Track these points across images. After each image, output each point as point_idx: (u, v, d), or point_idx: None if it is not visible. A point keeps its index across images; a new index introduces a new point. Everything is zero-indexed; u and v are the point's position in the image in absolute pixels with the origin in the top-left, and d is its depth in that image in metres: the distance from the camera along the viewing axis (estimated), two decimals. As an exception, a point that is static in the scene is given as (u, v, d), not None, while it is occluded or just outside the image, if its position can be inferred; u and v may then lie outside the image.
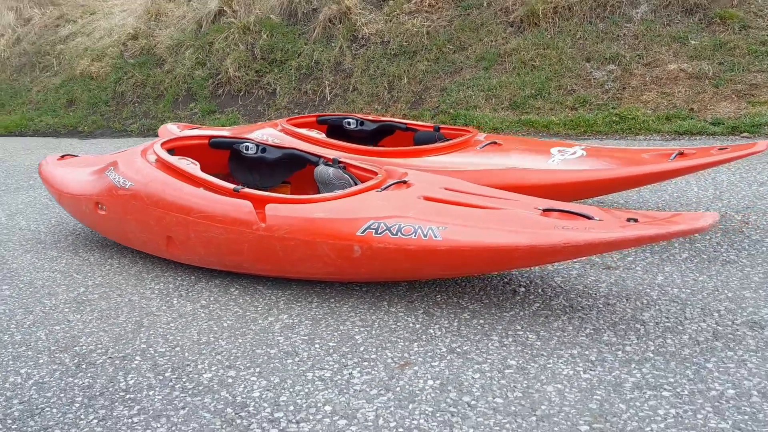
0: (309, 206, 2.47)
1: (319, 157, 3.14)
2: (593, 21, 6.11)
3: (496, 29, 6.55)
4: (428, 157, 3.23)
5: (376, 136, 4.02)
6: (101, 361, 2.16)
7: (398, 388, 1.87)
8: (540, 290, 2.44)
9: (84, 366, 2.13)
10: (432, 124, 3.79)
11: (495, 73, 6.23)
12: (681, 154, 2.83)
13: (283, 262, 2.51)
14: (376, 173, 2.83)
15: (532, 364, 1.94)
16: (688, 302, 2.25)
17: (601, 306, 2.28)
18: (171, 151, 3.22)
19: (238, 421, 1.77)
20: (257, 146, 3.29)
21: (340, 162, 3.04)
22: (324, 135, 3.56)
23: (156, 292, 2.72)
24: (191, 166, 2.86)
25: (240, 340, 2.23)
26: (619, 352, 1.97)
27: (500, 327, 2.18)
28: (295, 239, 2.41)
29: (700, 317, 2.15)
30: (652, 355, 1.94)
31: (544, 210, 2.26)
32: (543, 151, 3.12)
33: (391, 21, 7.16)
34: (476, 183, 2.87)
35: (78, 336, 2.35)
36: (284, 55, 7.60)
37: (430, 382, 1.89)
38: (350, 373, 1.97)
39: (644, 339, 2.04)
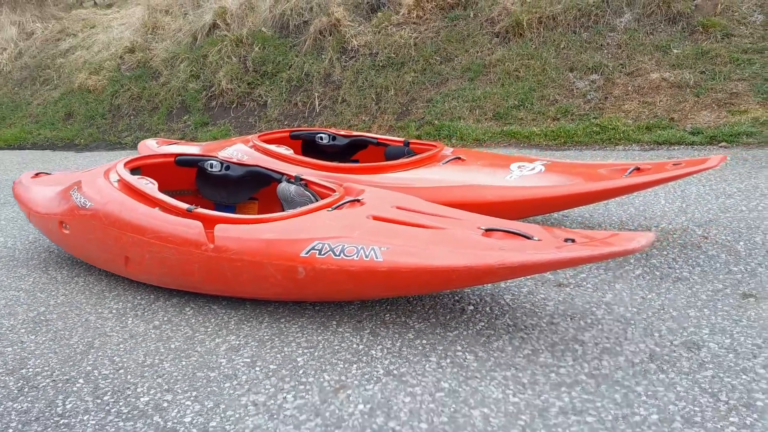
0: (258, 227, 2.48)
1: (282, 174, 3.16)
2: (577, 30, 6.10)
3: (481, 40, 6.56)
4: (392, 173, 3.24)
5: (350, 150, 4.03)
6: (44, 384, 2.18)
7: (328, 413, 1.88)
8: (488, 308, 2.44)
9: (26, 390, 2.16)
10: (402, 139, 3.80)
11: (480, 83, 6.23)
12: (637, 169, 2.82)
13: (232, 282, 2.53)
14: (334, 191, 2.85)
15: (465, 387, 1.95)
16: (632, 321, 2.25)
17: (544, 325, 2.27)
18: (136, 170, 3.26)
19: (164, 446, 1.79)
20: (221, 164, 3.32)
21: (301, 179, 3.06)
22: (292, 151, 3.58)
23: (114, 311, 2.74)
24: (149, 186, 2.88)
25: (184, 363, 2.25)
26: (553, 374, 1.97)
27: (441, 348, 2.18)
28: (242, 260, 2.43)
29: (640, 338, 2.14)
30: (584, 378, 1.94)
31: (487, 230, 2.26)
32: (503, 167, 3.12)
33: (379, 33, 7.19)
34: (435, 199, 2.89)
35: (27, 358, 2.38)
36: (275, 67, 7.65)
37: (360, 407, 1.90)
38: (284, 398, 1.98)
39: (580, 361, 2.03)
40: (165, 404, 2.00)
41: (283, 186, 3.10)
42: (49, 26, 11.47)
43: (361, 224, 2.39)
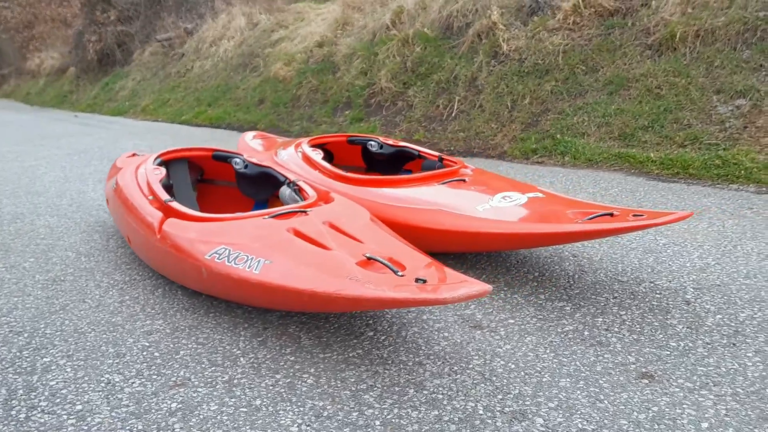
0: (192, 224, 2.65)
1: (286, 177, 3.29)
2: (738, 48, 5.29)
3: (632, 52, 5.99)
4: (389, 188, 3.18)
5: (399, 160, 4.02)
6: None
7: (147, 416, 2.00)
8: (389, 337, 2.34)
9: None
10: (437, 154, 3.71)
11: (617, 98, 5.71)
12: (610, 215, 2.47)
13: (169, 271, 2.74)
14: (309, 197, 2.93)
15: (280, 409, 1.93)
16: (498, 381, 2.02)
17: (411, 365, 2.13)
18: (183, 160, 3.62)
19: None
20: (243, 162, 3.54)
21: (296, 184, 3.17)
22: (320, 157, 3.66)
23: (104, 283, 3.11)
24: (153, 176, 3.19)
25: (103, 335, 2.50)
26: (360, 418, 1.87)
27: (287, 369, 2.17)
28: (171, 253, 2.62)
29: (476, 395, 1.92)
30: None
31: (368, 258, 2.18)
32: (490, 194, 2.92)
33: (532, 38, 6.90)
34: (401, 220, 2.85)
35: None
36: (429, 68, 7.73)
37: (174, 404, 1.98)
38: (118, 386, 2.14)
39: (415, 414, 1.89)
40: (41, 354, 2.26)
41: (283, 189, 3.23)
42: (271, 18, 12.72)
43: (272, 235, 2.44)
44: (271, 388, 2.04)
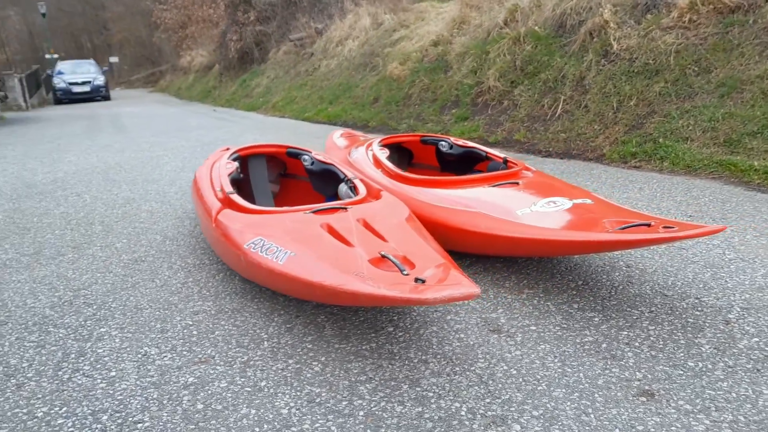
0: (243, 216, 2.85)
1: (345, 174, 3.43)
2: None
3: (750, 51, 5.56)
4: (440, 189, 3.23)
5: (470, 160, 4.03)
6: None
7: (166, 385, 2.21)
8: (407, 334, 2.41)
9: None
10: (503, 156, 3.69)
11: (728, 101, 5.34)
12: (647, 225, 2.38)
13: (223, 258, 2.96)
14: (359, 194, 3.06)
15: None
16: (493, 386, 2.03)
17: (414, 362, 2.19)
18: (261, 156, 3.88)
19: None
20: (311, 159, 3.72)
21: (351, 182, 3.30)
22: (385, 156, 3.76)
23: (181, 265, 3.40)
24: (223, 170, 3.44)
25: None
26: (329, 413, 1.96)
27: (301, 355, 2.29)
28: (221, 241, 2.84)
29: (462, 397, 1.94)
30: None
31: (383, 256, 2.27)
32: (536, 198, 2.89)
33: (644, 37, 6.59)
34: (442, 221, 2.90)
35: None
36: (537, 67, 7.59)
37: (191, 379, 2.18)
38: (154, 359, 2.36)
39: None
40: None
41: (341, 186, 3.38)
42: (395, 18, 12.96)
43: (304, 229, 2.58)
44: (280, 371, 2.17)
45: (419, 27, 11.69)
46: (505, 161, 3.61)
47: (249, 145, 3.93)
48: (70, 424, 1.91)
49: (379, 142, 4.05)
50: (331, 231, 2.53)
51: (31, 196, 5.42)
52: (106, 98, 25.74)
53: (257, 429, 1.85)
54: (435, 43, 10.14)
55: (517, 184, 3.14)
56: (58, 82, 25.01)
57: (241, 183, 3.88)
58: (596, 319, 2.45)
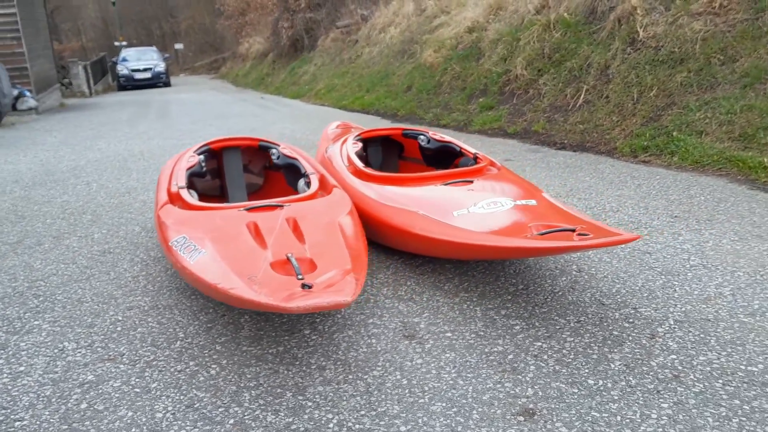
0: (179, 211, 2.84)
1: (305, 170, 3.39)
2: None
3: (778, 38, 5.20)
4: (392, 186, 3.14)
5: (446, 155, 3.91)
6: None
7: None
8: (320, 337, 2.37)
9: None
10: (474, 152, 3.57)
11: (750, 93, 5.01)
12: (571, 231, 2.25)
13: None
14: (309, 191, 3.03)
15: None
16: (376, 396, 1.96)
17: (311, 367, 2.15)
18: (236, 148, 3.88)
19: None
20: (278, 153, 3.69)
21: (308, 177, 3.27)
22: (354, 151, 3.68)
23: (143, 258, 3.45)
24: (185, 162, 3.46)
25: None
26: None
27: (204, 357, 2.28)
28: (158, 235, 2.86)
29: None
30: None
31: (288, 258, 2.22)
32: (480, 198, 2.77)
33: (672, 24, 6.25)
34: (385, 219, 2.84)
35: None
36: (563, 55, 7.34)
37: (91, 377, 2.19)
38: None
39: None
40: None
41: (300, 181, 3.36)
42: (438, 3, 12.76)
43: (227, 228, 2.55)
44: (176, 373, 2.17)
45: (458, 13, 11.46)
46: (475, 158, 3.49)
47: (221, 138, 3.93)
48: (-46, 418, 1.96)
49: (356, 135, 3.99)
50: (254, 230, 2.50)
51: (45, 184, 5.61)
52: (167, 85, 26.44)
53: None
54: (470, 29, 9.93)
55: (471, 182, 3.03)
56: (122, 69, 25.85)
57: (220, 176, 3.90)
58: (517, 327, 2.33)
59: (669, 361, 2.03)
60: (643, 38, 6.39)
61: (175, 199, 3.01)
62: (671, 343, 2.14)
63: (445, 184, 3.03)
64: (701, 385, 1.88)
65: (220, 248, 2.37)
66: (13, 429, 1.89)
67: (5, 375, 2.21)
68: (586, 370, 2.01)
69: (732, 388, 1.86)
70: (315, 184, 3.10)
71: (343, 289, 1.93)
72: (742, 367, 1.96)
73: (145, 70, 25.88)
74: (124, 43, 37.36)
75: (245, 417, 1.89)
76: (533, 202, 2.72)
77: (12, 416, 1.96)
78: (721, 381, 1.90)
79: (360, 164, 3.43)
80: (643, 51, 6.33)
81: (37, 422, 1.92)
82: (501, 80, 8.14)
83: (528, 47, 8.00)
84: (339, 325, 2.45)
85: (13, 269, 3.32)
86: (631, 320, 2.32)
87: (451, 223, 2.58)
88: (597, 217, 3.61)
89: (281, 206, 2.75)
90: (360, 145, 3.80)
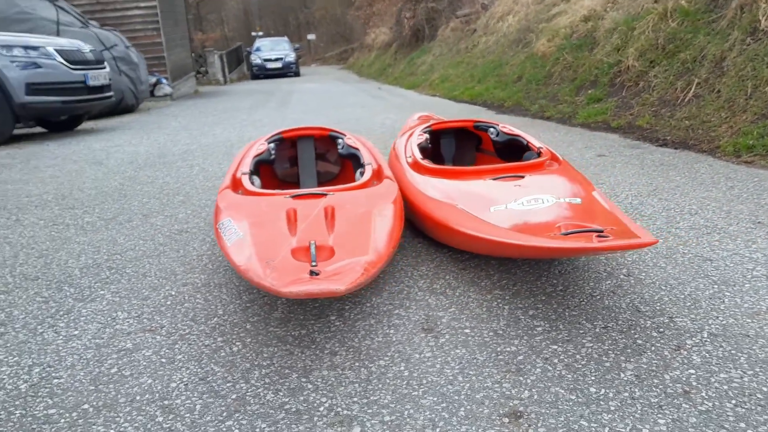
0: (234, 196, 3.00)
1: (364, 160, 3.46)
2: None
3: None
4: (441, 179, 3.13)
5: (516, 149, 3.83)
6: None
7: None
8: (345, 324, 2.43)
9: (88, 264, 3.32)
10: (539, 146, 3.48)
11: None
12: (598, 234, 2.16)
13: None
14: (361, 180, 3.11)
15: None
16: (374, 385, 1.99)
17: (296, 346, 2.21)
18: (310, 138, 4.02)
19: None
20: (343, 144, 3.77)
21: (364, 167, 3.34)
22: (417, 143, 3.69)
23: (213, 239, 3.66)
24: (254, 150, 3.63)
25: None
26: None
27: (233, 335, 2.40)
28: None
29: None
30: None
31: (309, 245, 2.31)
32: (523, 194, 2.71)
33: (800, 9, 5.72)
34: (429, 212, 2.86)
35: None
36: (678, 45, 6.90)
37: (129, 344, 2.39)
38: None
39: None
40: (97, 298, 2.86)
41: (358, 171, 3.43)
42: (558, -9, 12.36)
43: (267, 213, 2.66)
44: (202, 348, 2.31)
45: (578, 1, 11.05)
46: (539, 152, 3.40)
47: (295, 128, 4.08)
48: (4, 371, 2.21)
49: (425, 127, 3.99)
50: (292, 216, 2.60)
51: (154, 165, 6.07)
52: (296, 74, 27.49)
53: (138, 397, 2.00)
54: (586, 18, 9.56)
55: (522, 177, 2.96)
56: (255, 59, 27.19)
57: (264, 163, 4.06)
58: (539, 328, 2.27)
59: (685, 376, 1.90)
60: (765, 27, 5.88)
61: (236, 185, 3.17)
62: (695, 357, 2.00)
63: (495, 179, 2.98)
64: (709, 404, 1.76)
65: (254, 232, 2.48)
66: (50, 385, 2.10)
67: (61, 337, 2.45)
68: (593, 378, 1.93)
69: (743, 410, 1.72)
70: (368, 174, 3.16)
71: (344, 277, 1.98)
72: (765, 389, 1.81)
73: (276, 60, 27.08)
74: (261, 33, 39.21)
75: (247, 393, 1.98)
76: (578, 200, 2.62)
77: (53, 374, 2.17)
78: (734, 402, 1.76)
79: (418, 156, 3.44)
80: (764, 41, 5.83)
81: (71, 381, 2.11)
82: (612, 71, 7.80)
83: (642, 37, 7.60)
84: (364, 314, 2.49)
85: (99, 243, 3.64)
86: (661, 330, 2.19)
87: (484, 219, 2.54)
88: (669, 221, 3.41)
89: (325, 195, 2.83)
90: (425, 136, 3.81)
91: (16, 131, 9.90)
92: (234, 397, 1.97)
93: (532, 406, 1.81)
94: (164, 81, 15.56)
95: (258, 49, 28.31)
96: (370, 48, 28.34)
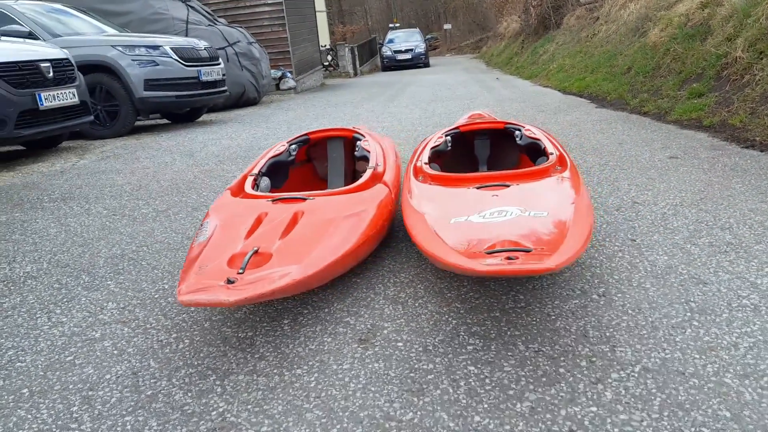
0: (226, 198, 3.12)
1: (372, 162, 3.47)
2: None
3: None
4: (430, 185, 3.06)
5: (539, 152, 3.66)
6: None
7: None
8: (292, 328, 2.49)
9: (115, 255, 3.60)
10: (553, 151, 3.31)
11: None
12: (526, 252, 2.05)
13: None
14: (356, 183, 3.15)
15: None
16: (260, 391, 2.03)
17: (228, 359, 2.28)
18: (339, 138, 4.10)
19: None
20: (360, 147, 3.79)
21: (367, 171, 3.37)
22: (430, 145, 3.63)
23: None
24: (273, 151, 3.74)
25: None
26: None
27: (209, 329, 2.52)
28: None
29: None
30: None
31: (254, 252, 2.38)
32: (495, 205, 2.59)
33: None
34: (406, 219, 2.84)
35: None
36: (790, 34, 6.21)
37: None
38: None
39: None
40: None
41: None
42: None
43: (240, 216, 2.76)
44: (154, 342, 2.45)
45: (703, -15, 10.20)
46: (551, 157, 3.24)
47: (322, 129, 4.15)
48: None
49: (450, 129, 3.92)
50: (257, 221, 2.69)
51: (235, 159, 6.42)
52: (426, 65, 27.59)
53: (71, 386, 2.17)
54: (703, 5, 8.80)
55: (506, 186, 2.84)
56: (386, 51, 27.60)
57: (319, 164, 4.15)
58: (471, 347, 2.19)
59: (582, 414, 1.77)
60: None
61: (235, 186, 3.30)
62: (608, 394, 1.85)
63: (479, 188, 2.88)
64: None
65: (216, 235, 2.59)
66: (11, 368, 2.33)
67: (50, 323, 2.70)
68: (486, 405, 1.85)
69: (614, 457, 1.58)
70: (364, 177, 3.17)
71: (248, 287, 2.03)
72: (656, 437, 1.65)
73: (406, 51, 27.34)
74: (398, 25, 39.66)
75: (161, 391, 2.09)
76: (544, 213, 2.47)
77: (20, 358, 2.40)
78: (610, 448, 1.62)
79: (424, 159, 3.40)
80: None
81: (29, 366, 2.33)
82: (719, 64, 7.16)
83: (756, 25, 6.89)
84: (316, 320, 2.53)
85: (138, 234, 3.93)
86: (593, 359, 2.04)
87: (438, 230, 2.47)
88: (691, 235, 3.13)
89: (304, 199, 2.88)
90: (444, 139, 3.74)
91: (147, 122, 10.81)
92: (149, 393, 2.09)
93: (404, 430, 1.77)
94: (289, 75, 16.24)
95: (390, 41, 28.72)
96: (501, 37, 27.81)
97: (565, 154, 3.27)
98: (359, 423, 1.83)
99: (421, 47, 27.44)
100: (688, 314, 2.29)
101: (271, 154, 3.72)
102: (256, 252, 2.37)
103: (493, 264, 1.92)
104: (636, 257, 2.90)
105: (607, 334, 2.20)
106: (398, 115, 9.35)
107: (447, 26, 41.39)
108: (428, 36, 31.00)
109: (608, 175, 4.50)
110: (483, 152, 4.17)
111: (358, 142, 3.83)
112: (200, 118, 11.15)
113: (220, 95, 10.54)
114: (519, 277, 2.72)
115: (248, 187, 3.20)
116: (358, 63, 25.79)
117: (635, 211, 3.57)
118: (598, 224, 3.39)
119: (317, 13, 25.90)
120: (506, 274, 1.87)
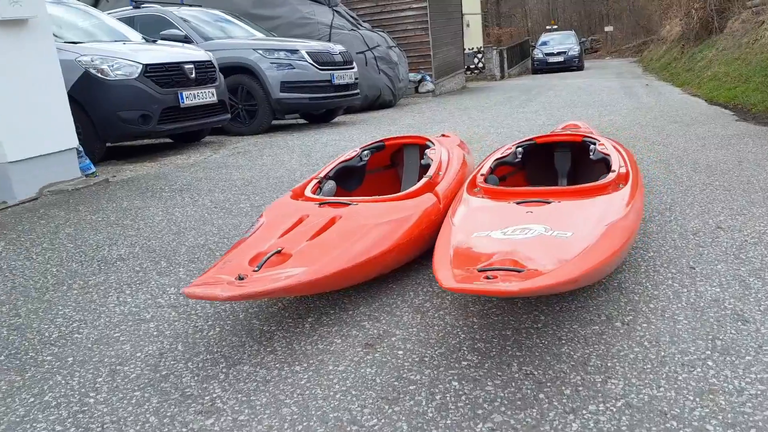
0: (281, 199, 3.31)
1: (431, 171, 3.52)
2: None
3: None
4: (479, 199, 3.03)
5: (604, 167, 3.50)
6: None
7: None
8: (312, 326, 2.62)
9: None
10: (616, 169, 3.17)
11: None
12: (516, 272, 2.03)
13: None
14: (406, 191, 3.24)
15: (171, 342, 2.62)
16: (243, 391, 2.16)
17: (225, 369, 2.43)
18: (416, 146, 4.19)
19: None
20: (425, 155, 3.82)
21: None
22: (495, 156, 3.59)
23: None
24: (344, 156, 3.89)
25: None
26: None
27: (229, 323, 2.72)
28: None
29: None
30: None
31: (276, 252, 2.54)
32: (522, 222, 2.56)
33: None
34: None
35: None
36: None
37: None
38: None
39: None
40: (174, 275, 3.43)
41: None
42: None
43: (285, 216, 2.93)
44: (186, 327, 2.68)
45: None
46: (609, 175, 3.11)
47: (399, 136, 4.22)
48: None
49: (523, 141, 3.84)
50: (296, 222, 2.84)
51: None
52: (579, 68, 26.67)
53: (105, 359, 2.45)
54: None
55: (547, 203, 2.77)
56: (537, 54, 27.03)
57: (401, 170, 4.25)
58: (465, 363, 2.19)
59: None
60: None
61: (297, 189, 3.48)
62: (574, 426, 1.79)
63: (519, 203, 2.83)
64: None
65: (256, 233, 2.78)
66: (77, 336, 2.66)
67: (116, 302, 3.04)
68: (447, 422, 1.85)
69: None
70: (416, 186, 3.23)
71: (246, 285, 2.17)
72: (598, 474, 1.58)
73: (558, 54, 26.60)
74: (555, 27, 38.62)
75: (174, 373, 2.30)
76: (568, 234, 2.40)
77: (80, 329, 2.74)
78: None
79: (483, 171, 3.38)
80: None
81: (85, 334, 2.65)
82: None
83: None
84: (338, 321, 2.63)
85: (226, 226, 4.24)
86: (579, 389, 1.98)
87: (456, 243, 2.48)
88: (767, 266, 2.87)
89: (347, 204, 3.00)
90: (512, 150, 3.68)
91: (285, 121, 11.46)
92: (163, 373, 2.31)
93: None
94: (428, 78, 16.45)
95: (543, 43, 28.10)
96: (664, 41, 26.20)
97: (630, 172, 3.12)
98: (324, 423, 1.91)
99: (574, 50, 26.54)
100: (707, 353, 2.13)
101: (342, 158, 3.87)
102: (278, 252, 2.52)
103: (462, 283, 1.92)
104: (685, 286, 2.71)
105: (609, 364, 2.11)
106: (520, 120, 9.19)
107: (608, 28, 39.62)
108: (587, 38, 29.85)
109: (706, 196, 4.18)
110: (563, 165, 4.05)
111: (426, 150, 3.88)
112: (335, 119, 11.61)
113: (352, 98, 10.92)
114: (501, 297, 2.66)
115: (308, 190, 3.36)
116: (506, 66, 25.45)
117: (713, 237, 3.32)
118: (663, 249, 3.19)
119: (471, 16, 25.90)
120: (472, 293, 1.86)
